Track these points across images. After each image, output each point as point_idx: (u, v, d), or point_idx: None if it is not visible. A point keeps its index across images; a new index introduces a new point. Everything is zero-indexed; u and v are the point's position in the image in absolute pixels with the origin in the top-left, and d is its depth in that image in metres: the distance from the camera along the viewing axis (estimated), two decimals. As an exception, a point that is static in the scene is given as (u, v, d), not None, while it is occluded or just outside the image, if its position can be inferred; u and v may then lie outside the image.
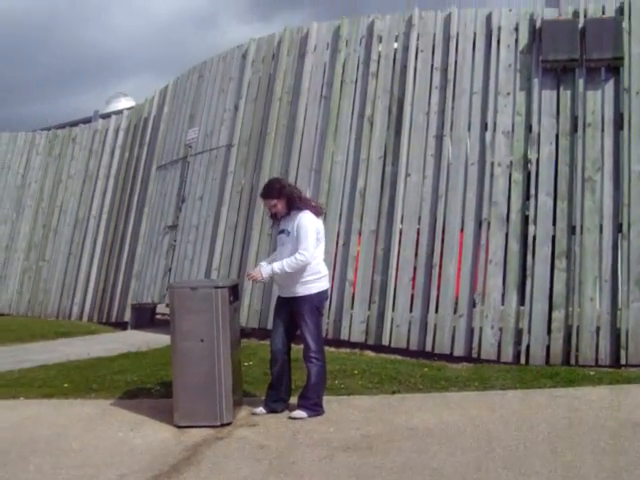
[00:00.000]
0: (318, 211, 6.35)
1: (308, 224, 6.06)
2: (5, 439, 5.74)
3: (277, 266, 6.02)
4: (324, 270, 6.24)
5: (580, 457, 4.77)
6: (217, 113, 12.14)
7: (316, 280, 6.12)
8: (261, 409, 6.20)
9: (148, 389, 7.19)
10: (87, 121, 19.21)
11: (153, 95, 14.82)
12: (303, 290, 6.08)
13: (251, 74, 11.58)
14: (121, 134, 15.42)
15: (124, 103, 24.88)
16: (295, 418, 6.00)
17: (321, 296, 6.19)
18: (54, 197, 16.44)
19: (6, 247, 16.99)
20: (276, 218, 6.37)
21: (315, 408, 6.10)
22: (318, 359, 6.12)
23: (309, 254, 5.98)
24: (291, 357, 6.32)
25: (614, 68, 8.43)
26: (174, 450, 5.31)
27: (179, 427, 5.84)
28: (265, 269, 6.09)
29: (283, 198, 6.20)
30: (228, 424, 5.87)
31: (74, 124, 18.33)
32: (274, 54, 11.28)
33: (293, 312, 6.15)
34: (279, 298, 6.36)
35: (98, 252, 14.67)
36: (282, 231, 6.29)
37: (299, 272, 6.02)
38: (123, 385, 7.42)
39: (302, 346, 6.17)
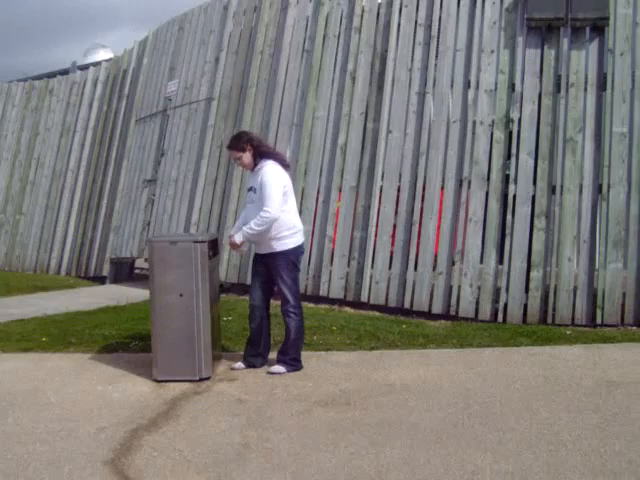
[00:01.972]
0: (285, 164, 6.26)
1: (272, 179, 5.95)
2: (-18, 392, 5.72)
3: (246, 229, 5.96)
4: (299, 224, 6.20)
5: (555, 414, 4.83)
6: (197, 66, 12.01)
7: (291, 235, 6.07)
8: (240, 364, 6.23)
9: (127, 343, 7.18)
10: (64, 73, 18.89)
11: (132, 46, 14.60)
12: (278, 245, 6.04)
13: (232, 26, 11.43)
14: (99, 86, 15.22)
15: (102, 55, 24.48)
16: (273, 373, 6.03)
17: (297, 251, 6.15)
18: (31, 150, 16.28)
19: (-18, 200, 16.82)
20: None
21: (293, 363, 6.12)
22: (296, 314, 6.12)
23: (274, 210, 5.88)
24: (270, 313, 6.33)
25: (599, 28, 8.37)
26: (153, 404, 5.32)
27: (158, 381, 5.85)
28: (237, 236, 6.03)
29: (249, 151, 6.13)
30: (207, 379, 5.88)
31: (51, 75, 18.02)
32: (256, 6, 11.12)
33: (270, 268, 6.13)
34: (256, 255, 6.32)
35: (76, 206, 14.58)
36: (250, 188, 6.22)
37: (274, 228, 5.96)
38: (101, 339, 7.41)
39: (277, 302, 6.17)
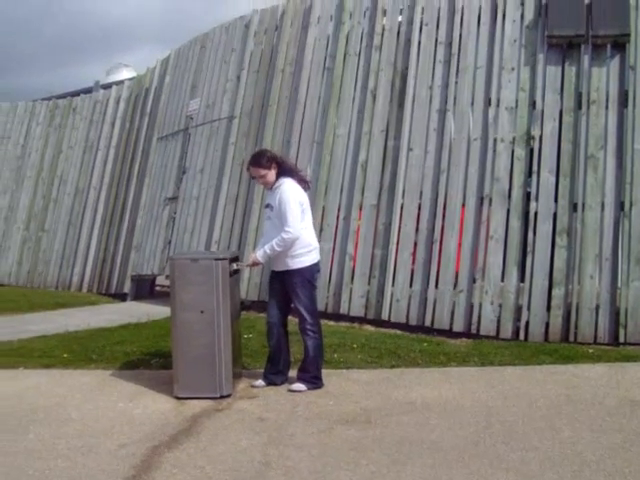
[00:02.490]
0: (305, 184, 6.28)
1: (290, 197, 5.97)
2: (5, 409, 5.76)
3: (268, 248, 5.99)
4: (314, 243, 6.21)
5: (578, 434, 4.79)
6: (219, 84, 12.10)
7: (307, 253, 6.08)
8: (260, 382, 6.22)
9: (148, 360, 7.20)
10: (88, 91, 19.10)
11: (155, 65, 14.74)
12: (294, 263, 6.04)
13: (254, 45, 11.52)
14: (122, 104, 15.36)
15: (125, 74, 24.68)
16: (294, 391, 6.02)
17: (312, 269, 6.15)
18: (54, 167, 16.43)
19: (5, 218, 17.01)
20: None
21: (314, 381, 6.11)
22: (314, 331, 6.11)
23: (295, 230, 5.92)
24: (288, 330, 6.33)
25: (620, 45, 8.33)
26: (173, 421, 5.33)
27: (178, 398, 5.86)
28: (258, 253, 6.08)
29: (273, 169, 6.14)
30: (228, 396, 5.89)
31: (75, 94, 18.21)
32: (277, 25, 11.21)
33: (286, 285, 6.13)
34: (272, 272, 6.34)
35: (98, 223, 14.68)
36: (267, 205, 6.23)
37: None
38: (123, 356, 7.44)
39: (297, 320, 6.17)
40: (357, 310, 9.12)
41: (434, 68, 9.24)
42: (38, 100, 18.20)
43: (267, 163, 6.13)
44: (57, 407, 5.76)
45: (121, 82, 16.62)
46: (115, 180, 14.71)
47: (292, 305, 6.19)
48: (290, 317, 6.32)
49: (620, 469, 4.14)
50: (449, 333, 8.36)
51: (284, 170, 6.19)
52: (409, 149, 9.18)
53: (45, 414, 5.58)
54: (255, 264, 6.26)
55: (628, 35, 8.26)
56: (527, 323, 8.07)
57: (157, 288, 14.38)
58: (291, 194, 6.01)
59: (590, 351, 7.32)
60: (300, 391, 6.01)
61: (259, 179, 6.27)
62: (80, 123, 16.33)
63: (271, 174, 6.14)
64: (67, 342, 8.26)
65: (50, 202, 16.17)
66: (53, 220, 15.93)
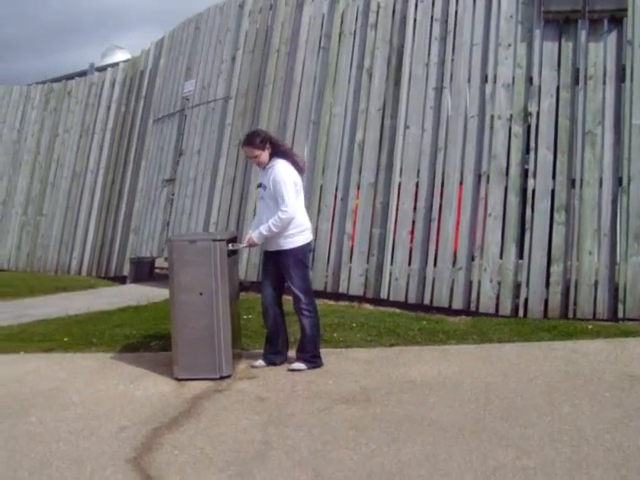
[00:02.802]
0: (300, 166, 6.24)
1: (284, 177, 5.95)
2: (6, 393, 5.76)
3: (264, 229, 5.96)
4: (307, 222, 6.19)
5: (577, 409, 4.80)
6: (214, 65, 12.04)
7: (299, 233, 6.06)
8: (260, 362, 6.23)
9: (147, 342, 7.21)
10: (83, 74, 19.01)
11: (149, 47, 14.66)
12: (286, 243, 6.03)
13: (248, 25, 11.45)
14: (117, 87, 15.30)
15: (120, 56, 24.60)
16: (294, 370, 6.04)
17: (304, 249, 6.13)
18: (51, 151, 16.39)
19: (3, 202, 17.01)
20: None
21: (313, 360, 6.12)
22: (309, 311, 6.11)
23: (291, 209, 5.90)
24: (284, 311, 6.33)
25: (617, 19, 8.28)
26: (174, 402, 5.34)
27: (179, 380, 5.87)
28: (254, 235, 6.05)
29: (267, 150, 6.10)
30: (227, 377, 5.90)
31: (70, 77, 18.14)
32: (272, 4, 11.14)
33: (279, 265, 6.13)
34: (265, 252, 6.33)
35: (96, 206, 14.67)
36: (260, 185, 6.21)
37: None
38: (123, 339, 7.45)
39: (292, 300, 6.17)
40: (356, 289, 9.12)
41: (430, 45, 9.19)
42: (33, 84, 18.11)
43: (261, 143, 6.09)
44: (58, 391, 5.77)
45: (116, 64, 16.54)
46: (112, 163, 14.68)
47: (286, 285, 6.19)
48: (287, 297, 6.32)
49: (619, 444, 4.15)
50: (448, 311, 8.38)
51: (278, 151, 6.16)
52: (406, 127, 9.15)
53: (46, 398, 5.59)
54: (251, 245, 6.24)
55: (625, 10, 8.21)
56: (526, 300, 8.08)
57: (156, 270, 14.40)
58: (285, 174, 5.98)
59: (589, 327, 7.33)
60: (300, 370, 6.03)
61: (253, 159, 6.26)
62: (76, 106, 16.27)
63: (265, 154, 6.11)
64: (67, 326, 8.27)
65: (47, 186, 16.15)
66: (51, 204, 15.92)
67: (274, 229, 5.93)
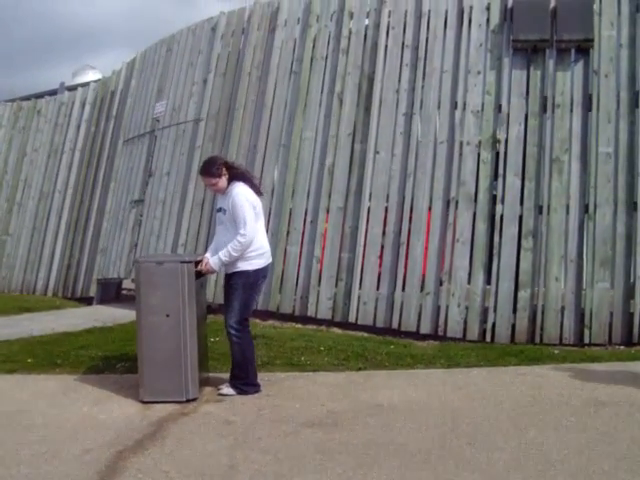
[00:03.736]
0: (257, 190, 6.20)
1: (242, 201, 5.89)
2: (-34, 414, 5.66)
3: (223, 255, 5.89)
4: (266, 245, 6.15)
5: (543, 434, 4.82)
6: (185, 87, 12.01)
7: (258, 256, 6.01)
8: (226, 385, 6.17)
9: (113, 364, 7.13)
10: (53, 93, 18.88)
11: (120, 68, 14.61)
12: (244, 265, 5.95)
13: (220, 48, 11.47)
14: (87, 107, 15.19)
15: (91, 76, 24.44)
16: (223, 395, 5.98)
17: (259, 273, 6.05)
18: (18, 171, 16.19)
19: (-31, 221, 16.71)
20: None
21: (244, 387, 6.03)
22: (238, 337, 5.97)
23: (250, 233, 5.85)
24: (256, 333, 6.29)
25: (584, 49, 8.45)
26: (139, 425, 5.27)
27: (144, 402, 5.80)
28: (213, 260, 5.96)
29: (224, 176, 6.04)
30: (194, 400, 5.84)
31: (39, 96, 18.00)
32: (244, 28, 11.17)
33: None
34: (225, 275, 6.25)
35: (63, 227, 14.50)
36: (219, 209, 6.14)
37: None
38: (88, 360, 7.36)
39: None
40: (324, 313, 9.11)
41: (401, 72, 9.28)
42: (1, 102, 17.94)
43: (217, 171, 6.03)
44: (20, 413, 5.67)
45: (87, 84, 16.44)
46: (80, 184, 14.53)
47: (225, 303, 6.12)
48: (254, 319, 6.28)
49: (584, 468, 4.17)
50: (416, 335, 8.40)
51: (235, 175, 6.10)
52: (376, 152, 9.20)
53: (8, 420, 5.49)
54: (208, 272, 6.11)
55: (592, 40, 8.38)
56: (493, 325, 8.14)
57: (123, 292, 14.24)
58: (244, 197, 5.94)
59: (556, 352, 7.39)
60: (229, 395, 5.97)
61: (211, 187, 6.22)
62: (45, 126, 16.12)
63: (222, 181, 6.05)
64: (31, 347, 8.15)
65: (14, 206, 15.95)
66: (17, 224, 15.71)
67: (234, 253, 5.87)
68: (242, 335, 6.01)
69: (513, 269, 8.22)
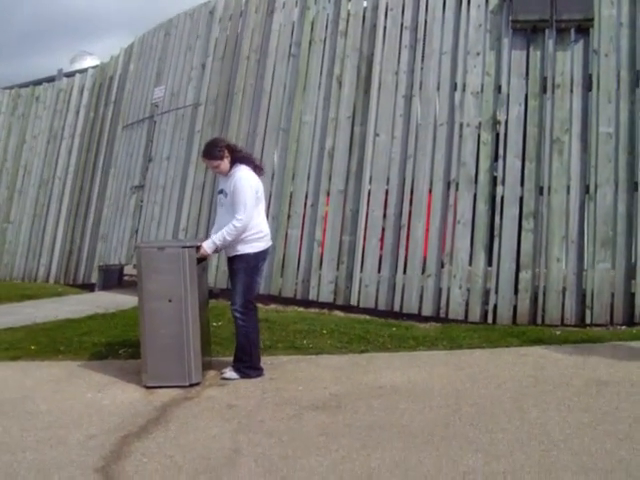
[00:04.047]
0: (259, 170, 6.24)
1: (244, 185, 5.91)
2: (-29, 401, 5.68)
3: (217, 238, 5.92)
4: (266, 229, 6.17)
5: (545, 414, 4.84)
6: (184, 71, 11.97)
7: (257, 239, 6.03)
8: (230, 369, 6.20)
9: (116, 350, 7.15)
10: (51, 80, 18.80)
11: (118, 53, 14.56)
12: (244, 248, 5.98)
13: (219, 32, 11.42)
14: (86, 93, 15.15)
15: (89, 62, 24.29)
16: (226, 379, 6.02)
17: (259, 256, 6.08)
18: (18, 157, 16.16)
19: (-31, 209, 16.71)
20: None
21: (247, 371, 6.07)
22: (243, 320, 6.01)
23: (246, 217, 5.86)
24: (259, 317, 6.31)
25: (584, 29, 8.40)
26: (143, 410, 5.30)
27: (148, 388, 5.83)
28: (207, 244, 5.97)
29: (226, 158, 6.07)
30: (197, 384, 5.87)
31: (38, 83, 17.94)
32: (242, 11, 11.11)
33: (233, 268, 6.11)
34: (227, 258, 6.28)
35: (64, 213, 14.49)
36: (220, 191, 6.17)
37: None
38: (91, 346, 7.38)
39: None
40: (326, 296, 9.12)
41: (400, 53, 9.24)
42: (0, 89, 17.88)
43: (219, 153, 6.06)
44: (25, 399, 5.70)
45: (85, 70, 16.38)
46: (80, 170, 14.51)
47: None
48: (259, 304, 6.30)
49: (587, 448, 4.19)
50: (418, 317, 8.41)
51: (238, 157, 6.13)
52: (376, 135, 9.17)
53: (12, 407, 5.51)
54: (202, 255, 6.06)
55: (591, 20, 8.33)
56: (495, 306, 8.15)
57: (125, 278, 14.26)
58: (246, 182, 5.95)
59: (557, 333, 7.40)
60: (232, 379, 6.01)
61: (214, 169, 6.26)
62: (43, 112, 16.08)
63: (225, 163, 6.08)
64: (34, 334, 8.17)
65: (15, 193, 15.93)
66: (18, 211, 15.70)
67: (228, 238, 5.89)
68: (246, 318, 6.05)
69: (514, 250, 8.22)
